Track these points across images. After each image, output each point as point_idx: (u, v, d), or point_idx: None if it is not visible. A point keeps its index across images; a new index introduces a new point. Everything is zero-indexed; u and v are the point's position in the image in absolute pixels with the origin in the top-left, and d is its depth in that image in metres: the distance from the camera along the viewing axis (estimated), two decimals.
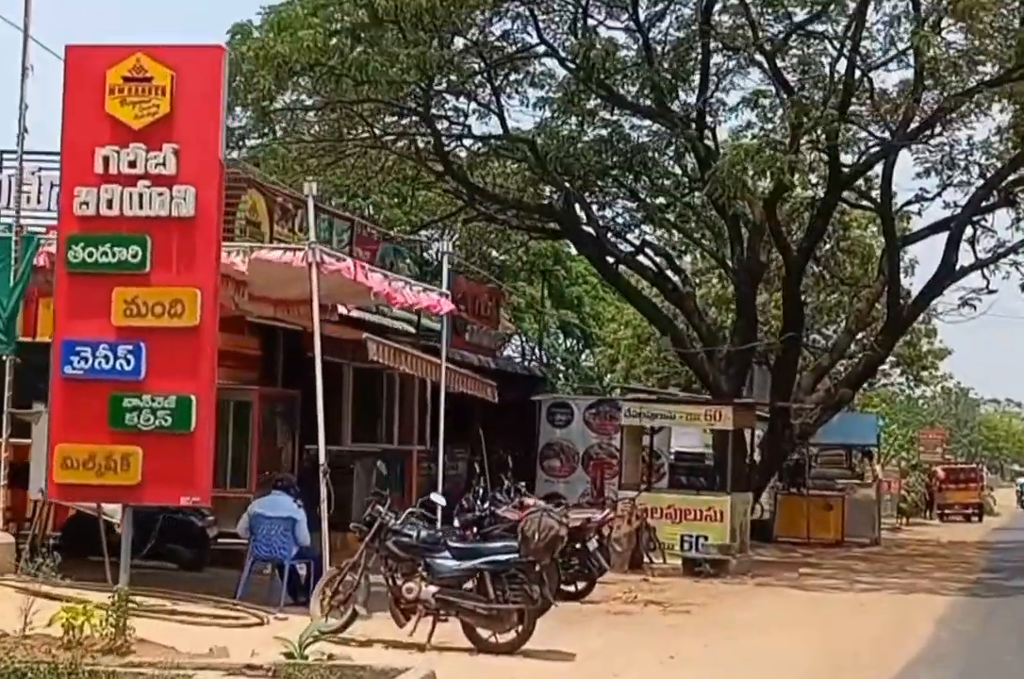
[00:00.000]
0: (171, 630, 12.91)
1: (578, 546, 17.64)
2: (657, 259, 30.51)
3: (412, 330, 24.58)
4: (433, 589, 13.02)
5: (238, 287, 15.22)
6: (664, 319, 29.53)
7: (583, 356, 57.66)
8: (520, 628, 12.97)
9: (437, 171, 27.49)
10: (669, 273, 30.55)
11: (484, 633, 13.05)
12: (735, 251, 27.88)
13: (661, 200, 30.47)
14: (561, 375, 55.92)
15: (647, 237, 31.43)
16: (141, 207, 11.65)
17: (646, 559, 22.24)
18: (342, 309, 19.14)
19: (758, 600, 18.96)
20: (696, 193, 29.75)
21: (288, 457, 20.08)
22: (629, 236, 31.04)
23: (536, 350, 55.69)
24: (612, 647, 13.94)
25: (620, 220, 30.29)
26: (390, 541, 13.22)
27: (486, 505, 18.43)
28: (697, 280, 43.38)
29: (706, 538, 22.72)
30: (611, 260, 28.89)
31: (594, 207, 29.44)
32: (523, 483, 22.08)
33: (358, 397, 23.48)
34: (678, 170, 29.83)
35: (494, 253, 53.36)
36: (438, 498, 13.72)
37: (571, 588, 17.73)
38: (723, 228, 29.18)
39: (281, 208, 20.48)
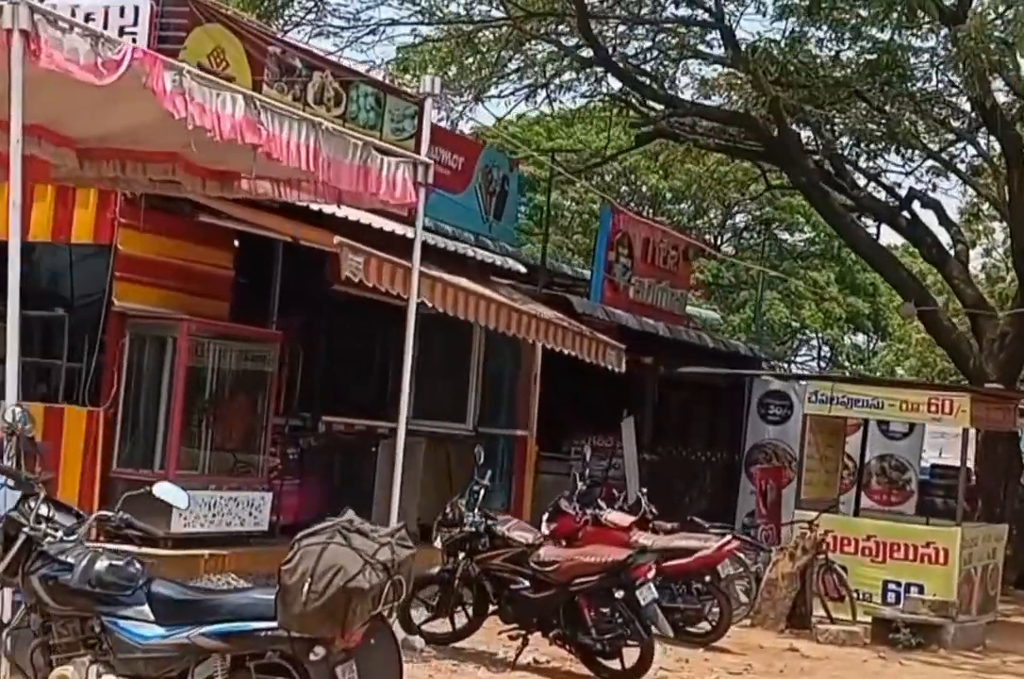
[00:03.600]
0: None
1: (620, 595, 10.40)
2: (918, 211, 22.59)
3: (521, 269, 17.45)
4: None
5: None
6: (910, 281, 21.48)
7: (877, 355, 49.19)
8: None
9: (583, 58, 19.96)
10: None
11: None
12: (1011, 176, 19.78)
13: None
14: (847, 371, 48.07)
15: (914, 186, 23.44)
16: None
17: (820, 613, 14.79)
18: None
19: None
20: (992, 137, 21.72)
21: (259, 432, 13.26)
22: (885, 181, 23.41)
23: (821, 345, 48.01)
24: None
25: (846, 140, 22.38)
26: (36, 576, 6.33)
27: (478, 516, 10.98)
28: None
29: (920, 588, 15.07)
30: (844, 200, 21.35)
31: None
32: (643, 490, 14.92)
33: (431, 357, 16.46)
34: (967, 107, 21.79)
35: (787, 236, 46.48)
36: (164, 491, 6.64)
37: (615, 664, 10.53)
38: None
39: (279, 63, 13.76)
